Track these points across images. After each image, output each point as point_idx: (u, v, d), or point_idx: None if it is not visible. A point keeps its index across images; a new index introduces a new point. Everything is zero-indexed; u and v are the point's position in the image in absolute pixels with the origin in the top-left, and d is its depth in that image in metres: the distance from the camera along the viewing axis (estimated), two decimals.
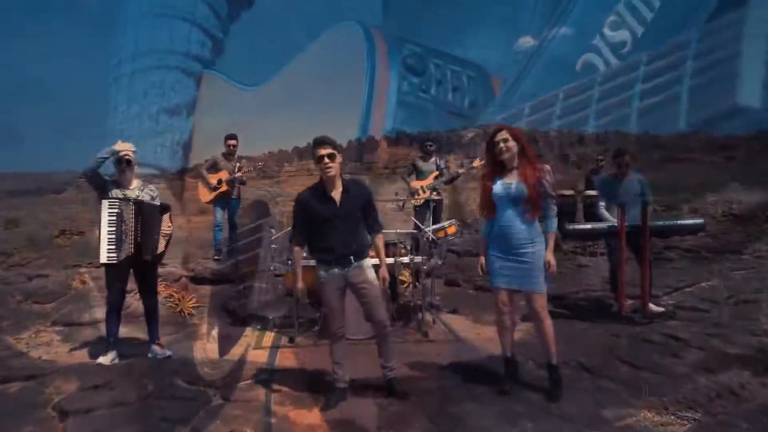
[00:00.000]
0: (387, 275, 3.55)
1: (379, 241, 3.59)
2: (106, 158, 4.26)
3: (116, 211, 4.22)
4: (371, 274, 3.47)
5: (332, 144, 3.34)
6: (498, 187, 3.41)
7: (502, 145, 3.37)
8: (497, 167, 3.45)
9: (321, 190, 3.39)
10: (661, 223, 5.12)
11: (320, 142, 3.31)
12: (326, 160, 3.27)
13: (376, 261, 3.65)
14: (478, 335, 5.04)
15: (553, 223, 3.46)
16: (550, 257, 3.43)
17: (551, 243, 3.46)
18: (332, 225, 3.36)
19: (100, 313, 5.43)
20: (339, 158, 3.34)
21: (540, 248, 3.40)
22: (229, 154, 7.28)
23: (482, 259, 3.56)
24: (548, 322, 3.42)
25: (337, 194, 3.37)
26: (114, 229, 4.20)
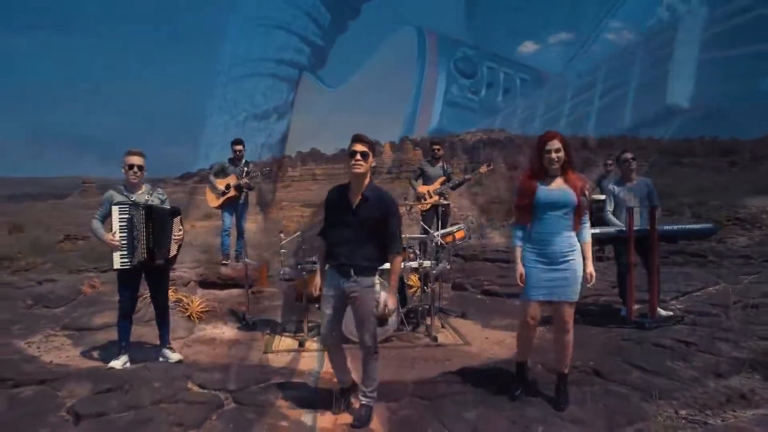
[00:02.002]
0: (392, 305, 3.25)
1: (395, 263, 3.27)
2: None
3: (127, 216, 4.26)
4: (368, 294, 3.26)
5: (369, 143, 3.21)
6: (543, 192, 3.30)
7: (554, 155, 3.27)
8: (540, 172, 3.35)
9: (346, 190, 3.28)
10: (669, 227, 5.12)
11: (357, 138, 3.19)
12: (358, 156, 3.14)
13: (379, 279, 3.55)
14: (487, 339, 5.05)
15: (589, 233, 3.41)
16: (591, 268, 3.37)
17: (589, 253, 3.39)
18: (342, 230, 3.26)
19: (109, 317, 5.47)
20: (371, 160, 3.21)
21: (579, 258, 3.34)
22: (236, 159, 7.34)
23: (522, 269, 3.37)
24: (572, 333, 3.40)
25: (355, 199, 3.22)
26: (126, 234, 4.24)
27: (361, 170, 3.16)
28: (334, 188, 3.39)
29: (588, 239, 3.41)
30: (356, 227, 3.22)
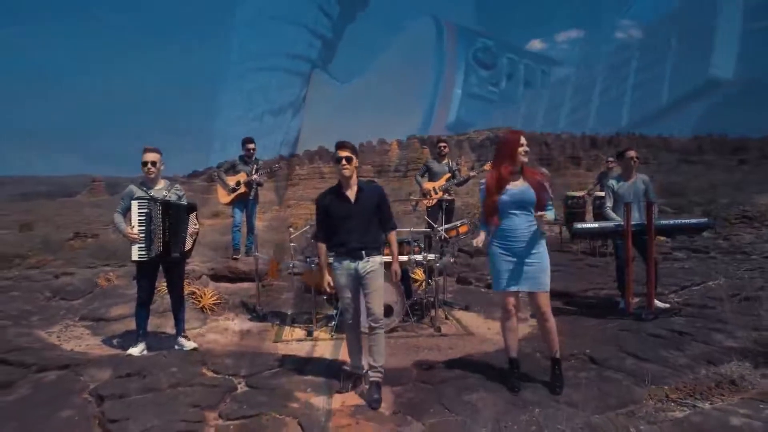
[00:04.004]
0: (399, 270, 3.84)
1: (392, 237, 3.82)
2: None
3: (145, 210, 4.47)
4: (379, 269, 3.69)
5: (351, 148, 3.65)
6: (509, 192, 3.51)
7: (524, 149, 3.51)
8: (509, 174, 3.55)
9: (338, 189, 3.70)
10: (665, 222, 5.27)
11: (341, 145, 3.64)
12: (344, 162, 3.60)
13: (388, 258, 3.88)
14: (489, 330, 5.22)
15: (550, 212, 3.59)
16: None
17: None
18: (347, 221, 3.64)
19: (125, 308, 5.70)
20: (355, 162, 3.65)
21: (544, 249, 3.57)
22: (247, 157, 7.53)
23: (482, 235, 3.69)
24: (552, 320, 3.60)
25: (351, 193, 3.65)
26: (144, 228, 4.46)
27: (348, 173, 3.63)
28: (324, 193, 3.79)
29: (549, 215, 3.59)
30: (359, 216, 3.65)
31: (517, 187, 3.53)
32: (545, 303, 3.56)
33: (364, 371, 3.76)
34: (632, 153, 5.54)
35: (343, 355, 4.13)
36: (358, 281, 3.67)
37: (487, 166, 7.83)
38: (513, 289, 3.57)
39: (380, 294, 3.71)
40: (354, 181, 3.68)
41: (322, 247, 3.82)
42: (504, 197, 3.52)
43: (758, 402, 3.21)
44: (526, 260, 3.52)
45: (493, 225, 3.60)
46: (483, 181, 3.68)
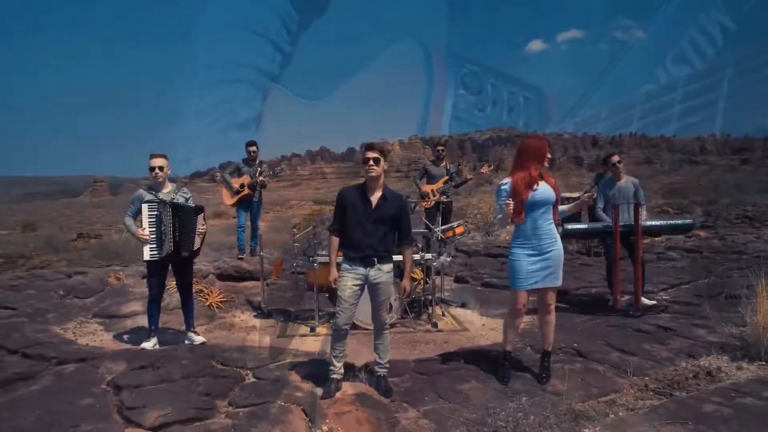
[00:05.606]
0: (408, 287, 3.84)
1: (408, 252, 3.77)
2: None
3: (156, 213, 4.73)
4: (389, 278, 3.71)
5: (380, 150, 3.60)
6: (537, 193, 3.70)
7: (548, 157, 3.75)
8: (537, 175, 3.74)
9: (362, 189, 3.67)
10: (651, 223, 5.50)
11: (370, 146, 3.61)
12: (371, 162, 3.55)
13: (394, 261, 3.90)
14: (483, 326, 5.47)
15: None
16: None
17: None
18: (363, 225, 3.62)
19: (136, 306, 5.95)
20: (383, 164, 3.59)
21: (560, 245, 3.78)
22: (250, 160, 7.77)
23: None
24: (554, 314, 3.86)
25: (374, 197, 3.62)
26: (155, 229, 4.71)
27: (374, 174, 3.58)
28: (348, 188, 3.78)
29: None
30: (377, 222, 3.64)
31: (542, 187, 3.72)
32: (553, 298, 3.82)
33: (342, 377, 3.82)
34: (615, 158, 5.74)
35: None
36: (365, 287, 3.73)
37: (485, 168, 8.11)
38: (531, 287, 3.73)
39: (387, 303, 3.79)
40: (380, 185, 3.65)
41: (335, 240, 3.78)
42: (530, 198, 3.68)
43: (731, 391, 3.44)
44: (547, 258, 3.71)
45: (519, 222, 3.74)
46: (505, 181, 3.77)
